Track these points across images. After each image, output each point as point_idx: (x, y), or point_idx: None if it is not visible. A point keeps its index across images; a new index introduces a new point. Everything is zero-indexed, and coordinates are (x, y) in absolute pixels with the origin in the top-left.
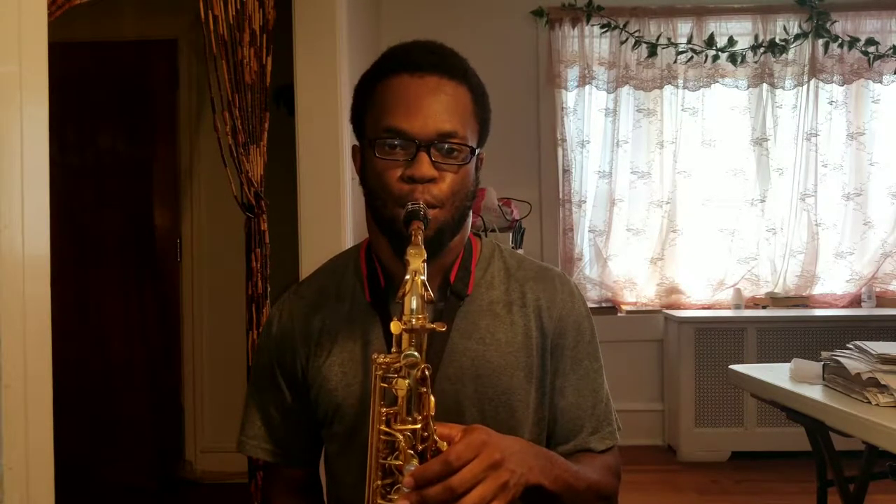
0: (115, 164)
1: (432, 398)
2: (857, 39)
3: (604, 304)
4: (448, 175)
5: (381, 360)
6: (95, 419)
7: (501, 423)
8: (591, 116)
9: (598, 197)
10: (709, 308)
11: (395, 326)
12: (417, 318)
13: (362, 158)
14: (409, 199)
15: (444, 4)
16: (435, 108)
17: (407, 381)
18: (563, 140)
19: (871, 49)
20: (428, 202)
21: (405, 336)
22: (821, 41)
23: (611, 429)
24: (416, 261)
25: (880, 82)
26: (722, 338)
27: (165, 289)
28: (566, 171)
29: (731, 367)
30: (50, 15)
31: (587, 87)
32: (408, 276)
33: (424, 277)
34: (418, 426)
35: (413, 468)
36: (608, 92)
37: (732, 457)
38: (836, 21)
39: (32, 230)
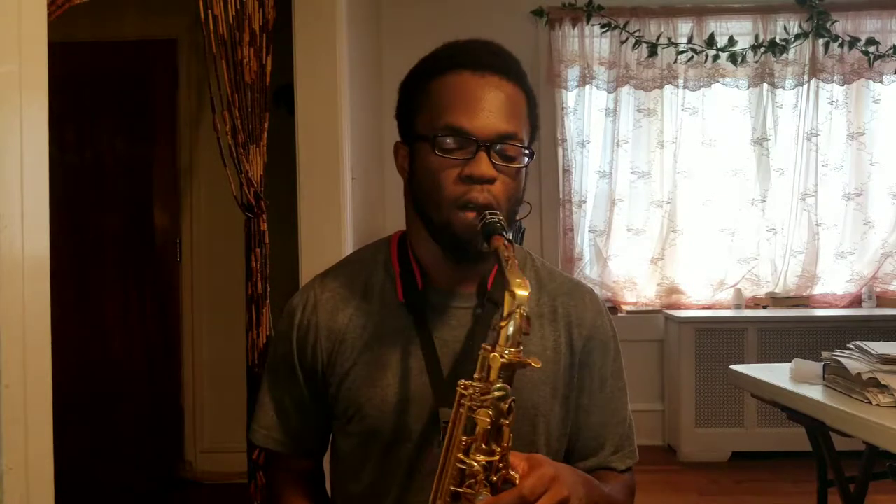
0: (115, 164)
1: (510, 431)
2: (858, 39)
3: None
4: (504, 178)
5: (469, 390)
6: (95, 419)
7: (523, 437)
8: (591, 116)
9: (598, 197)
10: (709, 308)
11: (494, 360)
12: (511, 352)
13: (412, 156)
14: (466, 200)
15: (444, 4)
16: (496, 107)
17: (490, 411)
18: (563, 140)
19: (872, 49)
20: (487, 202)
21: (497, 366)
22: (821, 41)
23: (631, 448)
24: (522, 292)
25: (881, 82)
26: (722, 338)
27: (165, 289)
28: (566, 171)
29: (731, 367)
30: (50, 15)
31: (587, 86)
32: (512, 309)
33: (527, 311)
34: (496, 458)
35: (483, 498)
36: (608, 92)
37: (733, 457)
38: (836, 21)
39: (32, 230)
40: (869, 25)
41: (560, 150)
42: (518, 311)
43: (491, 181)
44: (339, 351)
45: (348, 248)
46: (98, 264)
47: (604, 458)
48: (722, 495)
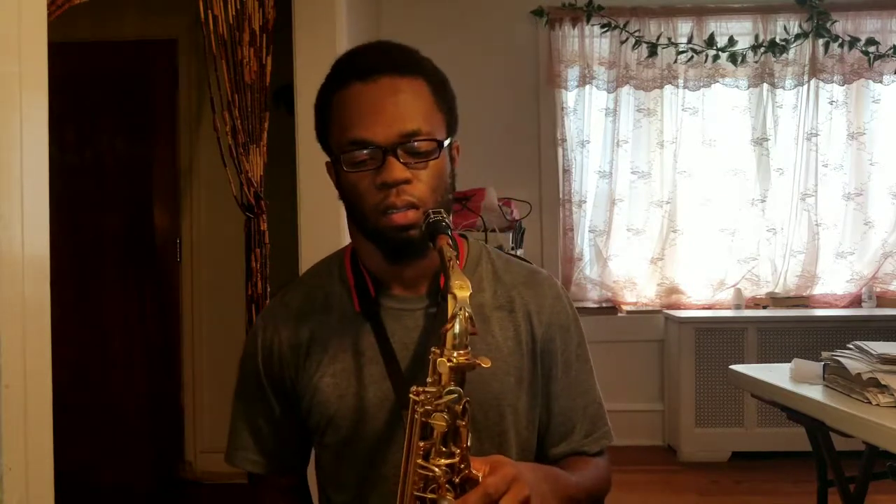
0: (115, 164)
1: (469, 432)
2: (858, 39)
3: (604, 304)
4: (421, 173)
5: (421, 395)
6: (95, 419)
7: (491, 428)
8: (591, 116)
9: (598, 197)
10: (709, 308)
11: (441, 365)
12: (460, 354)
13: (336, 174)
14: (386, 205)
15: (444, 4)
16: (393, 110)
17: (445, 415)
18: (563, 140)
19: (872, 49)
20: (406, 203)
21: (446, 370)
22: (821, 41)
23: (606, 429)
24: (463, 293)
25: (881, 82)
26: (722, 338)
27: (165, 289)
28: (566, 171)
29: (731, 367)
30: (50, 15)
31: (587, 86)
32: (455, 310)
33: (470, 311)
34: (456, 460)
35: (448, 501)
36: (608, 92)
37: (733, 457)
38: (836, 21)
39: (32, 230)
40: (869, 25)
41: (560, 150)
42: (461, 312)
43: (406, 182)
44: (305, 366)
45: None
46: (98, 264)
47: (575, 442)
48: (722, 495)
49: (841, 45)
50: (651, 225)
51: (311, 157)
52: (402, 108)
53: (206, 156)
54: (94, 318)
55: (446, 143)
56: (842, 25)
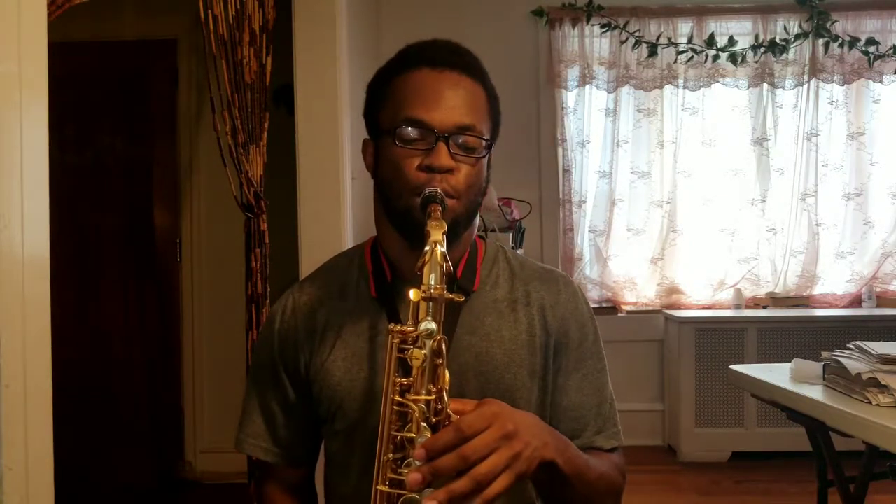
0: (115, 164)
1: (447, 371)
2: (858, 39)
3: (604, 304)
4: (464, 167)
5: (397, 328)
6: (95, 419)
7: None
8: (591, 116)
9: (598, 197)
10: (709, 308)
11: (414, 294)
12: (436, 289)
13: (376, 151)
14: (426, 188)
15: (444, 4)
16: (454, 101)
17: (423, 351)
18: (563, 140)
19: (872, 49)
20: (445, 191)
21: (423, 306)
22: (821, 41)
23: (616, 429)
24: (437, 233)
25: (881, 82)
26: (722, 338)
27: (165, 289)
28: (566, 171)
29: (731, 367)
30: (50, 15)
31: (587, 86)
32: (427, 248)
33: (444, 250)
34: (432, 397)
35: (424, 439)
36: (608, 92)
37: (733, 457)
38: (836, 21)
39: (32, 230)
40: (869, 25)
41: (560, 150)
42: (434, 249)
43: (450, 171)
44: (319, 350)
45: (348, 248)
46: (98, 264)
47: (587, 438)
48: (722, 495)
49: (841, 45)
50: (651, 225)
51: (311, 157)
52: (462, 102)
53: (206, 156)
54: (94, 318)
55: (492, 147)
56: (842, 25)
